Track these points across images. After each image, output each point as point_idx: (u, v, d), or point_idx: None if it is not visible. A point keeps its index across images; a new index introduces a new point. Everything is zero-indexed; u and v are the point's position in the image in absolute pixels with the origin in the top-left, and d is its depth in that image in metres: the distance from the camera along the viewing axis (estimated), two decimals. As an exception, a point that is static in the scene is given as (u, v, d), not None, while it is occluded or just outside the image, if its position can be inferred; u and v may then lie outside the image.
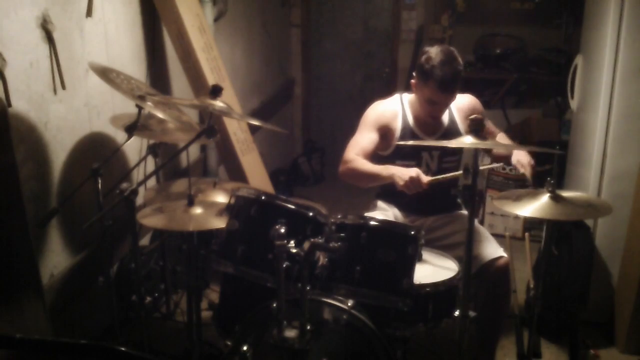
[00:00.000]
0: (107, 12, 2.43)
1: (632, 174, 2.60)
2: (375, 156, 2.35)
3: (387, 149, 2.38)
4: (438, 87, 2.19)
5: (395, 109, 2.40)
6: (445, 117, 2.39)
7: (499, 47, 4.74)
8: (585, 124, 2.96)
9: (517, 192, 1.94)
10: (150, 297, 2.43)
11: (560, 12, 4.66)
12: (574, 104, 3.21)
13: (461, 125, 2.40)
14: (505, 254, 2.24)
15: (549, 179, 1.82)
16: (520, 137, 4.39)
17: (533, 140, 4.27)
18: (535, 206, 1.78)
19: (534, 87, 4.68)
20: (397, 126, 2.39)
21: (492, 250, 2.22)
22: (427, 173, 2.29)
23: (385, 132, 2.37)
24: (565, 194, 1.85)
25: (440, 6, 4.97)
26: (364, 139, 2.35)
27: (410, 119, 2.39)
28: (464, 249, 2.26)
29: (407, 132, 2.38)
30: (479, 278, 2.21)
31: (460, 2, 4.90)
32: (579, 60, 3.14)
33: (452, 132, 2.37)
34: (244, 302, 1.96)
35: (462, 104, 2.44)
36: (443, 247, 2.31)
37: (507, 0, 4.80)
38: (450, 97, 2.27)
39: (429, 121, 2.36)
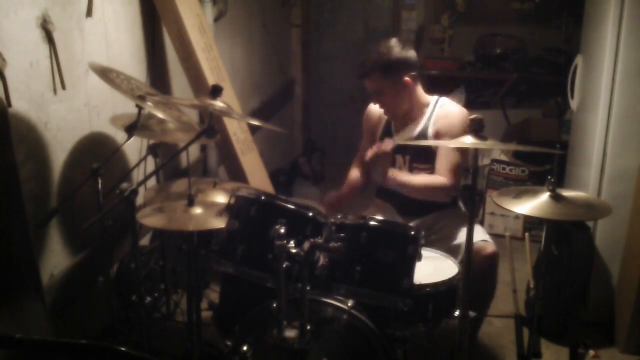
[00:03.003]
0: (107, 12, 2.43)
1: (632, 174, 2.60)
2: None
3: None
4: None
5: (381, 110, 2.46)
6: (422, 123, 2.37)
7: (499, 47, 4.73)
8: (585, 124, 2.96)
9: (517, 189, 1.93)
10: (150, 297, 2.45)
11: (560, 12, 4.66)
12: (574, 104, 3.21)
13: (431, 132, 2.34)
14: (490, 240, 2.25)
15: (549, 177, 1.82)
16: (520, 137, 4.38)
17: (533, 140, 4.26)
18: (535, 205, 1.77)
19: (534, 87, 4.68)
20: (381, 127, 2.50)
21: (476, 236, 2.21)
22: None
23: (372, 132, 2.54)
24: (566, 193, 1.85)
25: (440, 6, 4.96)
26: (362, 143, 2.61)
27: (393, 121, 2.45)
28: (455, 241, 2.28)
29: (386, 133, 2.47)
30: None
31: (460, 2, 4.89)
32: (579, 60, 3.14)
33: (421, 138, 2.35)
34: (244, 302, 1.96)
35: (441, 112, 2.35)
36: (434, 241, 2.32)
37: (507, 0, 4.79)
38: (365, 82, 2.32)
39: (392, 118, 2.43)
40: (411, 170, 2.38)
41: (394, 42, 2.30)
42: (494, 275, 2.27)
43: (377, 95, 2.33)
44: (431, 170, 2.37)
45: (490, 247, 2.21)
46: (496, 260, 2.23)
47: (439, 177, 2.27)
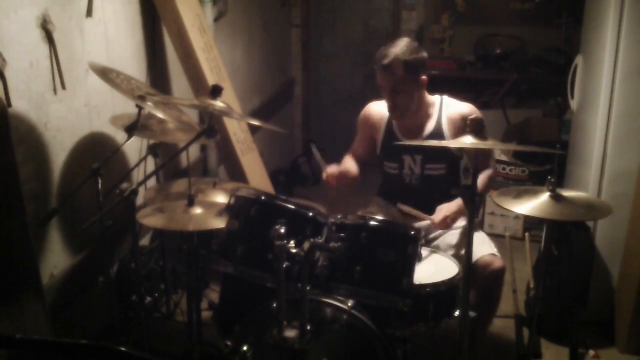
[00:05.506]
0: (107, 12, 2.43)
1: (632, 174, 2.60)
2: (374, 156, 2.51)
3: (376, 149, 2.50)
4: (375, 67, 2.25)
5: (382, 110, 2.44)
6: (431, 123, 2.37)
7: (499, 47, 4.74)
8: (585, 124, 2.96)
9: (517, 189, 1.93)
10: (150, 297, 2.44)
11: (560, 12, 4.65)
12: (574, 104, 3.21)
13: (448, 132, 2.34)
14: (497, 254, 2.22)
15: (549, 177, 1.82)
16: (520, 137, 4.38)
17: (533, 140, 4.26)
18: (535, 205, 1.77)
19: (534, 87, 4.68)
20: (382, 127, 2.45)
21: (484, 248, 2.21)
22: (410, 177, 2.41)
23: (371, 132, 2.49)
24: (566, 193, 1.84)
25: (440, 6, 4.97)
26: (355, 140, 2.56)
27: (395, 121, 2.42)
28: (459, 249, 2.28)
29: (389, 134, 2.43)
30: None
31: (460, 2, 4.90)
32: (579, 60, 3.14)
33: (435, 138, 2.33)
34: (244, 302, 1.96)
35: (453, 112, 2.36)
36: (438, 248, 2.31)
37: (507, 0, 4.80)
38: (384, 76, 2.24)
39: (399, 119, 2.37)
40: (423, 170, 2.37)
41: (409, 41, 2.27)
42: (499, 290, 2.25)
43: (392, 92, 2.26)
44: (444, 170, 2.37)
45: (498, 262, 2.19)
46: (503, 275, 2.21)
47: (488, 170, 2.39)
